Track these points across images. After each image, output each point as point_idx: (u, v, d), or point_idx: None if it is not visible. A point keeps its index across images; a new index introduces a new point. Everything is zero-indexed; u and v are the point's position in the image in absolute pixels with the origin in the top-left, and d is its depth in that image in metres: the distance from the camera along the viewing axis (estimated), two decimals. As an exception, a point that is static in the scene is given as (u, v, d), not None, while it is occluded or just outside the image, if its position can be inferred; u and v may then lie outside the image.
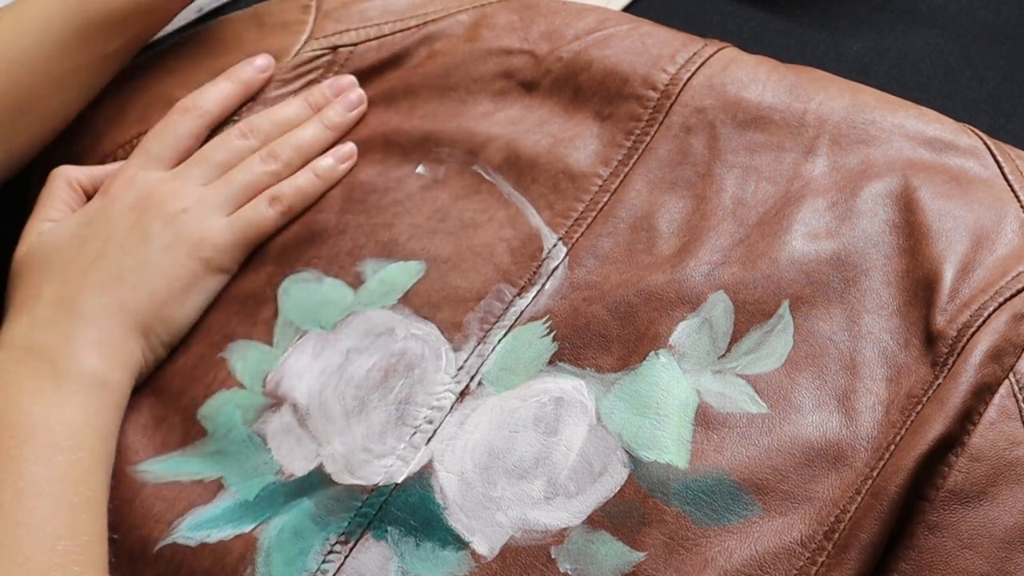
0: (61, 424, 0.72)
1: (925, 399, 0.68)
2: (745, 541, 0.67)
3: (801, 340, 0.71)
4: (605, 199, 0.77)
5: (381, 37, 0.86)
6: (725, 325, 0.72)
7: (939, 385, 0.68)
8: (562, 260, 0.76)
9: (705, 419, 0.70)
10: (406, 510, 0.71)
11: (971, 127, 0.77)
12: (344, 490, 0.72)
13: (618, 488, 0.69)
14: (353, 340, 0.76)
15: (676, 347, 0.72)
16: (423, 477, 0.71)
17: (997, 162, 0.75)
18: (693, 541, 0.67)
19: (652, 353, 0.72)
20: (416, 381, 0.74)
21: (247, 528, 0.72)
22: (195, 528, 0.72)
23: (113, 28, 0.84)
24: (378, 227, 0.79)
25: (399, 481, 0.71)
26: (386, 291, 0.77)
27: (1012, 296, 0.70)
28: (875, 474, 0.67)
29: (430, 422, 0.73)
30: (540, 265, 0.76)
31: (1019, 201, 0.73)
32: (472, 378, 0.74)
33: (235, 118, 0.85)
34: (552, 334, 0.74)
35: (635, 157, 0.78)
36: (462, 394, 0.73)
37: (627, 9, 0.99)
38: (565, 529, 0.69)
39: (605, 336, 0.73)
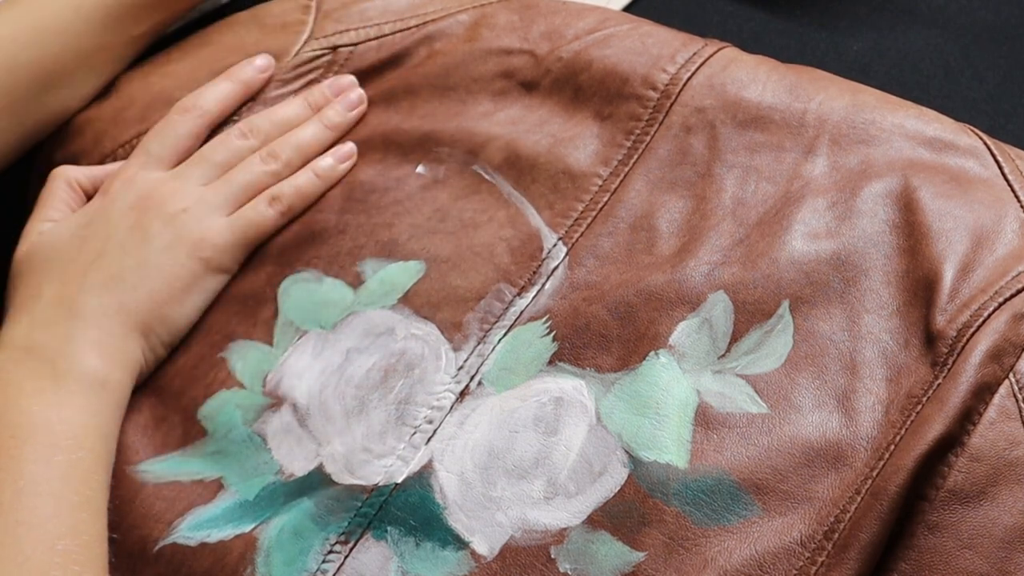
0: (61, 424, 0.72)
1: (925, 399, 0.68)
2: (745, 541, 0.67)
3: (801, 340, 0.71)
4: (605, 199, 0.77)
5: (381, 37, 0.86)
6: (725, 325, 0.72)
7: (939, 385, 0.68)
8: (562, 260, 0.76)
9: (705, 419, 0.70)
10: (406, 510, 0.71)
11: (971, 127, 0.77)
12: (344, 490, 0.72)
13: (618, 488, 0.69)
14: (353, 340, 0.76)
15: (676, 347, 0.72)
16: (423, 477, 0.71)
17: (997, 162, 0.75)
18: (693, 541, 0.67)
19: (652, 353, 0.72)
20: (416, 381, 0.74)
21: (247, 528, 0.72)
22: (195, 528, 0.72)
23: (144, 10, 0.86)
24: (378, 227, 0.79)
25: (399, 481, 0.71)
26: (386, 291, 0.77)
27: (1012, 296, 0.70)
28: (875, 474, 0.67)
29: (430, 422, 0.73)
30: (540, 265, 0.76)
31: (1019, 201, 0.73)
32: (472, 378, 0.74)
33: (235, 118, 0.85)
34: (552, 334, 0.74)
35: (635, 157, 0.78)
36: (462, 394, 0.73)
37: (627, 9, 0.99)
38: (565, 529, 0.69)
39: (605, 336, 0.73)
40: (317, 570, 0.70)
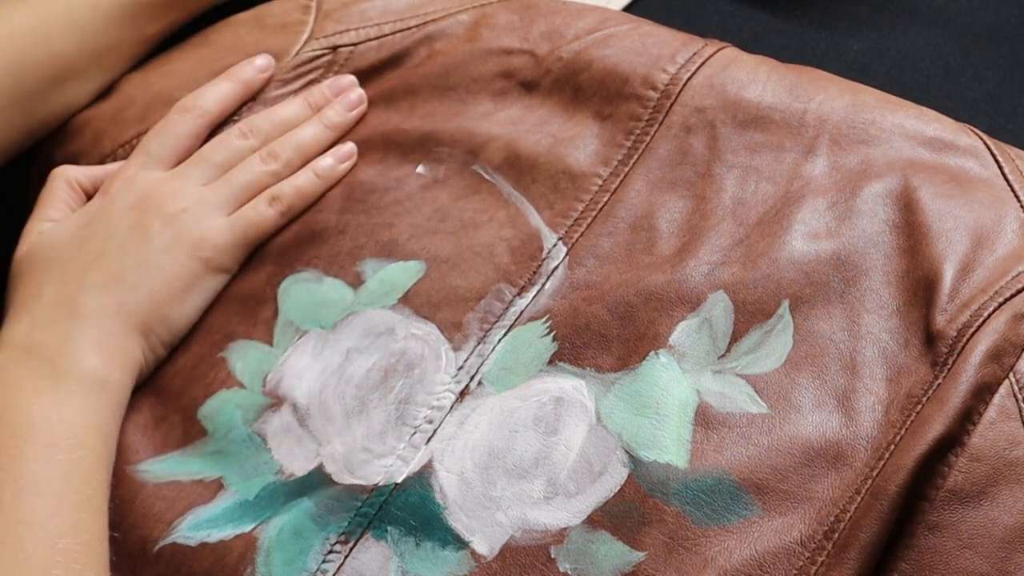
0: (62, 423, 0.72)
1: (925, 399, 0.68)
2: (745, 541, 0.67)
3: (801, 340, 0.71)
4: (605, 199, 0.77)
5: (381, 37, 0.86)
6: (725, 325, 0.72)
7: (939, 385, 0.68)
8: (562, 260, 0.76)
9: (705, 419, 0.70)
10: (406, 510, 0.71)
11: (971, 127, 0.77)
12: (344, 490, 0.72)
13: (618, 488, 0.69)
14: (353, 340, 0.76)
15: (676, 347, 0.72)
16: (423, 477, 0.71)
17: (997, 162, 0.75)
18: (693, 541, 0.67)
19: (652, 353, 0.72)
20: (416, 381, 0.74)
21: (247, 528, 0.72)
22: (195, 528, 0.72)
23: (159, 9, 0.87)
24: (378, 227, 0.79)
25: (399, 481, 0.71)
26: (386, 291, 0.77)
27: (1012, 296, 0.70)
28: (875, 474, 0.67)
29: (430, 422, 0.73)
30: (540, 265, 0.76)
31: (1019, 201, 0.73)
32: (472, 378, 0.74)
33: (235, 118, 0.85)
34: (552, 334, 0.74)
35: (635, 157, 0.78)
36: (462, 394, 0.73)
37: (627, 9, 0.99)
38: (565, 529, 0.69)
39: (605, 336, 0.73)
40: (317, 570, 0.70)
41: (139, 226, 0.79)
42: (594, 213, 0.77)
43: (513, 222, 0.78)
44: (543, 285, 0.76)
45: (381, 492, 0.71)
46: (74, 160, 0.86)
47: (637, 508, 0.68)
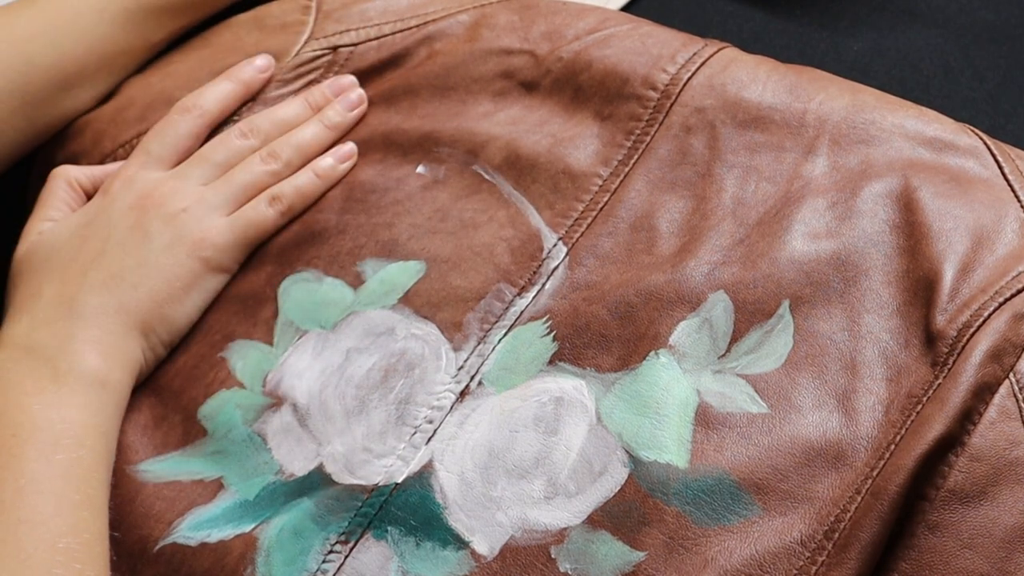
0: (62, 423, 0.72)
1: (925, 399, 0.68)
2: (745, 541, 0.67)
3: (801, 340, 0.71)
4: (605, 199, 0.77)
5: (381, 37, 0.86)
6: (725, 325, 0.72)
7: (939, 385, 0.68)
8: (562, 260, 0.76)
9: (705, 419, 0.70)
10: (406, 510, 0.71)
11: (971, 127, 0.77)
12: (344, 490, 0.72)
13: (618, 488, 0.69)
14: (353, 340, 0.76)
15: (676, 347, 0.72)
16: (423, 477, 0.71)
17: (997, 162, 0.75)
18: (693, 541, 0.67)
19: (652, 353, 0.72)
20: (416, 381, 0.74)
21: (247, 528, 0.72)
22: (195, 528, 0.72)
23: (165, 15, 0.87)
24: (378, 227, 0.79)
25: (399, 481, 0.71)
26: (386, 291, 0.77)
27: (1012, 296, 0.70)
28: (875, 474, 0.67)
29: (430, 422, 0.73)
30: (540, 265, 0.76)
31: (1019, 201, 0.73)
32: (472, 378, 0.74)
33: (235, 118, 0.85)
34: (552, 334, 0.74)
35: (635, 157, 0.78)
36: (462, 394, 0.73)
37: (627, 9, 0.99)
38: (565, 529, 0.69)
39: (605, 336, 0.73)
40: (317, 570, 0.70)
41: (139, 226, 0.79)
42: (594, 213, 0.77)
43: (513, 222, 0.78)
44: (543, 285, 0.76)
45: (381, 492, 0.71)
46: (74, 160, 0.86)
47: (637, 508, 0.68)
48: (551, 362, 0.73)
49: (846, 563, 0.66)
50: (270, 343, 0.77)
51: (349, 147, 0.83)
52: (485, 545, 0.69)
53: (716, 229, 0.75)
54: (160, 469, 0.75)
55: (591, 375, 0.72)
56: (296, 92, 0.86)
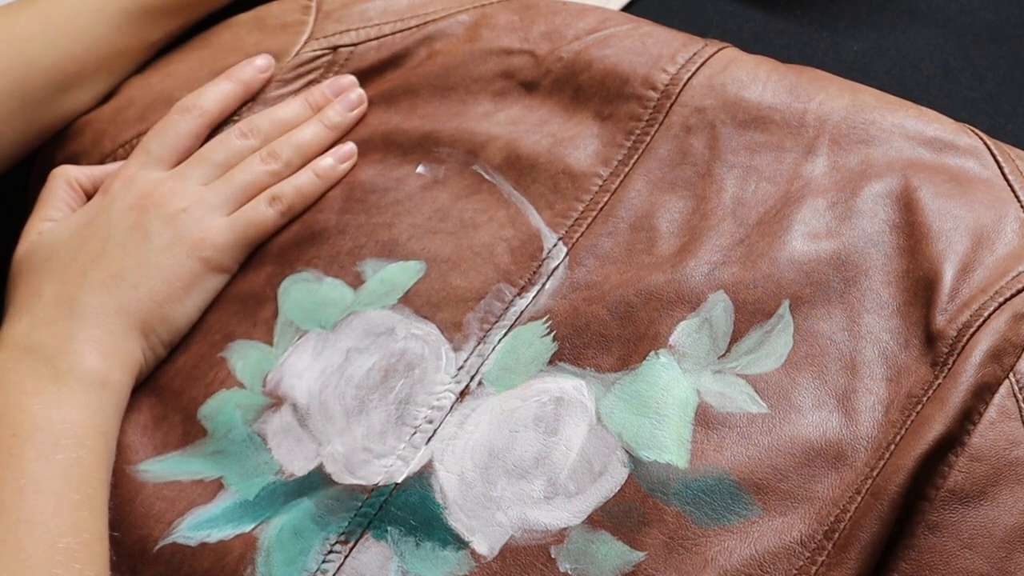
0: (62, 423, 0.72)
1: (925, 399, 0.68)
2: (745, 541, 0.67)
3: (801, 340, 0.71)
4: (605, 199, 0.77)
5: (381, 37, 0.86)
6: (725, 325, 0.72)
7: (939, 385, 0.68)
8: (562, 260, 0.76)
9: (705, 419, 0.70)
10: (406, 510, 0.71)
11: (971, 127, 0.77)
12: (344, 490, 0.72)
13: (618, 488, 0.69)
14: (353, 340, 0.76)
15: (676, 347, 0.72)
16: (423, 477, 0.71)
17: (997, 162, 0.75)
18: (693, 541, 0.67)
19: (652, 353, 0.72)
20: (416, 381, 0.74)
21: (247, 528, 0.72)
22: (195, 528, 0.72)
23: (163, 16, 0.87)
24: (378, 227, 0.79)
25: (399, 481, 0.71)
26: (386, 291, 0.77)
27: (1012, 296, 0.70)
28: (875, 474, 0.67)
29: (430, 422, 0.73)
30: (540, 265, 0.76)
31: (1019, 201, 0.73)
32: (472, 378, 0.74)
33: (235, 118, 0.85)
34: (552, 334, 0.74)
35: (635, 157, 0.78)
36: (462, 394, 0.73)
37: (627, 9, 0.99)
38: (565, 529, 0.69)
39: (605, 336, 0.73)
40: (317, 570, 0.70)
41: (139, 226, 0.79)
42: (594, 213, 0.77)
43: (513, 222, 0.78)
44: (543, 285, 0.76)
45: (381, 492, 0.71)
46: (74, 160, 0.86)
47: (637, 508, 0.68)
48: (551, 362, 0.73)
49: (846, 563, 0.66)
50: (270, 343, 0.77)
51: (349, 147, 0.83)
52: (485, 545, 0.69)
53: (716, 229, 0.75)
54: (160, 469, 0.75)
55: (591, 375, 0.72)
56: (296, 92, 0.86)
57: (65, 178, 0.83)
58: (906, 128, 0.76)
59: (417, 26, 0.86)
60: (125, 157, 0.84)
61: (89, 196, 0.83)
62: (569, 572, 0.68)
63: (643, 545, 0.67)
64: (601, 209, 0.77)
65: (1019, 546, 0.66)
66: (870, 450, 0.68)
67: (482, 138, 0.81)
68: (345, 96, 0.85)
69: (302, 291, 0.78)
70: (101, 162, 0.85)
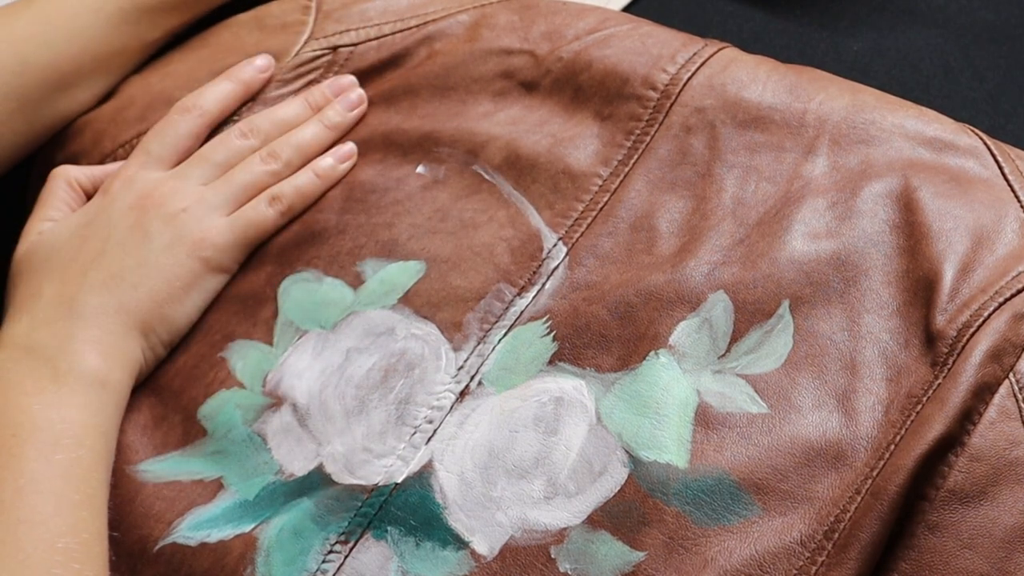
0: (62, 423, 0.72)
1: (925, 399, 0.68)
2: (745, 541, 0.67)
3: (801, 340, 0.71)
4: (605, 199, 0.77)
5: (381, 37, 0.86)
6: (725, 325, 0.72)
7: (939, 385, 0.68)
8: (562, 260, 0.76)
9: (705, 419, 0.70)
10: (406, 510, 0.71)
11: (971, 127, 0.77)
12: (344, 490, 0.72)
13: (618, 488, 0.69)
14: (353, 340, 0.76)
15: (676, 347, 0.72)
16: (423, 477, 0.71)
17: (997, 162, 0.75)
18: (693, 541, 0.67)
19: (652, 353, 0.72)
20: (416, 381, 0.74)
21: (247, 528, 0.72)
22: (195, 528, 0.72)
23: (161, 14, 0.87)
24: (378, 227, 0.79)
25: (399, 481, 0.71)
26: (386, 291, 0.77)
27: (1012, 296, 0.70)
28: (875, 474, 0.67)
29: (430, 422, 0.73)
30: (540, 265, 0.76)
31: (1019, 201, 0.73)
32: (472, 378, 0.74)
33: (235, 118, 0.85)
34: (552, 334, 0.74)
35: (635, 157, 0.78)
36: (462, 394, 0.73)
37: (627, 9, 0.99)
38: (565, 529, 0.69)
39: (605, 336, 0.73)
40: (317, 570, 0.70)
41: (139, 226, 0.79)
42: (594, 213, 0.77)
43: (513, 222, 0.78)
44: (543, 285, 0.76)
45: (381, 492, 0.71)
46: (74, 160, 0.86)
47: (637, 508, 0.68)
48: (551, 362, 0.73)
49: (846, 563, 0.66)
50: (270, 343, 0.77)
51: (349, 147, 0.83)
52: (485, 545, 0.69)
53: (716, 229, 0.75)
54: (160, 469, 0.75)
55: (591, 375, 0.72)
56: (296, 92, 0.86)
57: (65, 178, 0.83)
58: (906, 128, 0.76)
59: (417, 26, 0.86)
60: (125, 157, 0.84)
61: (89, 196, 0.83)
62: (569, 572, 0.68)
63: (643, 545, 0.67)
64: (601, 209, 0.77)
65: (1019, 546, 0.66)
66: (870, 450, 0.68)
67: (482, 138, 0.81)
68: (345, 96, 0.85)
69: (302, 291, 0.78)
70: (101, 162, 0.85)
